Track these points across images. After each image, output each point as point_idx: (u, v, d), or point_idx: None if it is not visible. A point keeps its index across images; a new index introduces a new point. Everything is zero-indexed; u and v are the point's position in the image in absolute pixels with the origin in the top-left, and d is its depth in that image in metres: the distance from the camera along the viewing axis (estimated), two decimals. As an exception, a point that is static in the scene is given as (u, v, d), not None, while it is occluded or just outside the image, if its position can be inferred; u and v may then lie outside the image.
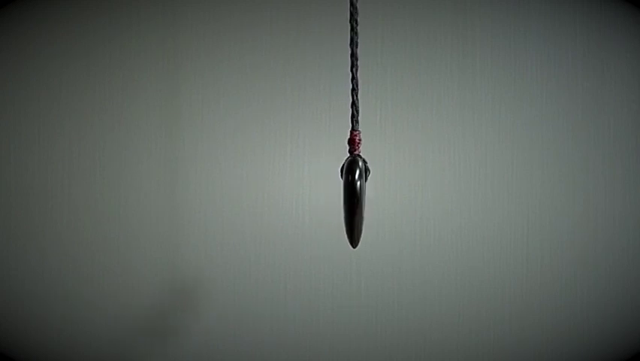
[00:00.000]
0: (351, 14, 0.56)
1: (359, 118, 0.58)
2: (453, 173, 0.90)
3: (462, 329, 0.90)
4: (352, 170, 0.55)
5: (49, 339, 0.88)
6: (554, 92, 0.90)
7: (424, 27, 0.89)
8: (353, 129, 0.57)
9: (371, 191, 0.59)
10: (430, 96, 0.89)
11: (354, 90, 0.58)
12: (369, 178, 0.57)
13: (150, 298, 0.89)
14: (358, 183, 0.55)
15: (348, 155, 0.57)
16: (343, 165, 0.56)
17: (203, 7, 0.89)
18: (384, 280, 0.90)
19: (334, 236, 0.85)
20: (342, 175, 0.56)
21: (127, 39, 0.88)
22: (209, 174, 0.89)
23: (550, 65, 0.90)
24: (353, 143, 0.57)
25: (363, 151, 0.57)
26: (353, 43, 0.57)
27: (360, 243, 0.56)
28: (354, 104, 0.58)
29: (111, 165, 0.88)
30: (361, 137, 0.57)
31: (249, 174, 0.89)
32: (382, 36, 0.89)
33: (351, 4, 0.57)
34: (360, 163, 0.56)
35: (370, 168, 0.57)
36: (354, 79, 0.58)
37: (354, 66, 0.58)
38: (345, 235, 0.56)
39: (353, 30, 0.57)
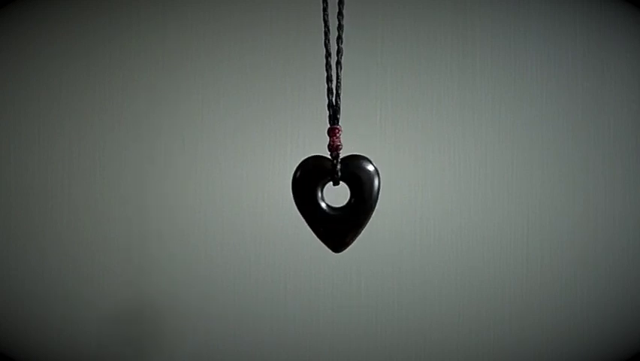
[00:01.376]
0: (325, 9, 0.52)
1: (339, 115, 0.52)
2: (453, 173, 0.90)
3: (462, 329, 0.90)
4: (297, 171, 0.51)
5: (49, 339, 0.88)
6: (554, 92, 0.90)
7: (424, 27, 0.89)
8: (332, 124, 0.52)
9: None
10: (430, 96, 0.89)
11: (338, 80, 0.53)
12: (371, 180, 0.53)
13: (150, 298, 0.89)
14: (300, 184, 0.51)
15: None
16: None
17: (203, 7, 0.88)
18: (384, 280, 0.90)
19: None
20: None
21: (127, 39, 0.88)
22: (209, 174, 0.89)
23: (550, 65, 0.90)
24: (332, 138, 0.52)
25: (361, 151, 0.56)
26: (326, 38, 0.54)
27: (347, 247, 0.53)
28: (333, 101, 0.52)
29: (111, 165, 0.88)
30: (339, 134, 0.53)
31: (249, 174, 0.89)
32: (382, 36, 0.89)
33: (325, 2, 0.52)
34: (319, 163, 0.51)
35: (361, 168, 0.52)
36: (330, 71, 0.53)
37: (333, 58, 0.54)
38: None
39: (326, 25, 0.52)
